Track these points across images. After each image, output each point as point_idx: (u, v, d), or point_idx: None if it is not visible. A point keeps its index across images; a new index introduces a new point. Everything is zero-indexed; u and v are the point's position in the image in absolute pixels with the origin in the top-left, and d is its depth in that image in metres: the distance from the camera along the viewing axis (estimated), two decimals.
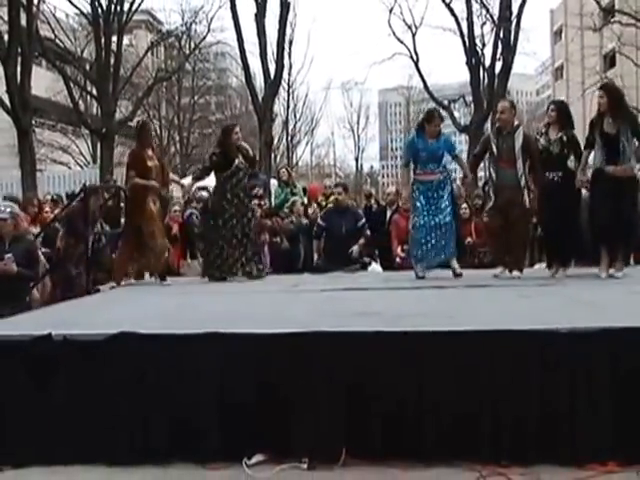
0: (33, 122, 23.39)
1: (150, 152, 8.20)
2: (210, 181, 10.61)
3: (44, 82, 27.85)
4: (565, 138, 7.43)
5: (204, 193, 12.59)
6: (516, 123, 7.83)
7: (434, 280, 7.48)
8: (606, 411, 3.98)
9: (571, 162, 7.53)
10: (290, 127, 40.47)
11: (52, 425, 4.22)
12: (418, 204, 7.78)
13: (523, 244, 7.83)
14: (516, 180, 7.49)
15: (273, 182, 13.78)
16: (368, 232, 9.79)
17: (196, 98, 39.72)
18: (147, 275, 8.54)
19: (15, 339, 4.38)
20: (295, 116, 41.50)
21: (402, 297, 6.45)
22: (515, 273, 7.65)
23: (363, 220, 9.87)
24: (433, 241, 7.74)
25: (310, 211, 11.45)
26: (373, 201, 12.29)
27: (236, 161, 8.23)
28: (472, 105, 24.43)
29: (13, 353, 4.31)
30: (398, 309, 5.34)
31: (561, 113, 7.61)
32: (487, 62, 24.29)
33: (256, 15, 22.89)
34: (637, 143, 7.16)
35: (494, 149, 7.62)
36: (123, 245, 8.21)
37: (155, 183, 8.00)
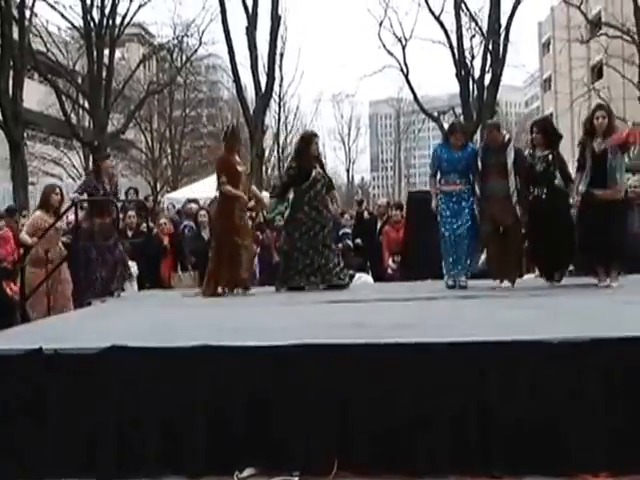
0: (25, 135, 23.39)
1: (237, 157, 8.21)
2: (200, 193, 10.59)
3: (36, 95, 27.82)
4: (551, 157, 7.51)
5: (194, 205, 12.61)
6: (507, 138, 7.92)
7: (424, 291, 7.53)
8: (598, 421, 3.98)
9: (558, 180, 7.61)
10: (281, 139, 40.48)
11: (42, 439, 4.20)
12: (442, 215, 7.85)
13: (516, 255, 7.84)
14: (506, 192, 7.55)
15: (265, 194, 13.80)
16: (350, 242, 9.73)
17: (188, 111, 39.73)
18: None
19: (5, 353, 4.35)
20: (286, 128, 41.56)
21: (393, 309, 6.44)
22: (505, 283, 7.71)
23: (344, 230, 9.84)
24: (455, 252, 7.82)
25: None
26: (364, 209, 12.31)
27: (313, 172, 8.11)
28: (462, 117, 24.51)
29: (2, 367, 4.28)
30: (389, 321, 5.33)
31: (545, 133, 7.67)
32: (476, 74, 24.44)
33: (247, 28, 23.01)
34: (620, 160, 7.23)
35: (479, 165, 7.72)
36: (213, 255, 8.11)
37: (243, 194, 7.97)
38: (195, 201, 13.72)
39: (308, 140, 8.37)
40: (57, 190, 8.57)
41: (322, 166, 8.34)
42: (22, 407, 4.23)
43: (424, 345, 4.18)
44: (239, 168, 8.04)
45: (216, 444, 4.12)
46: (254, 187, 8.73)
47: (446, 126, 28.53)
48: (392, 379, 4.09)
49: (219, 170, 8.16)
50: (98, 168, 8.39)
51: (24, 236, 8.15)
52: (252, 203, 8.42)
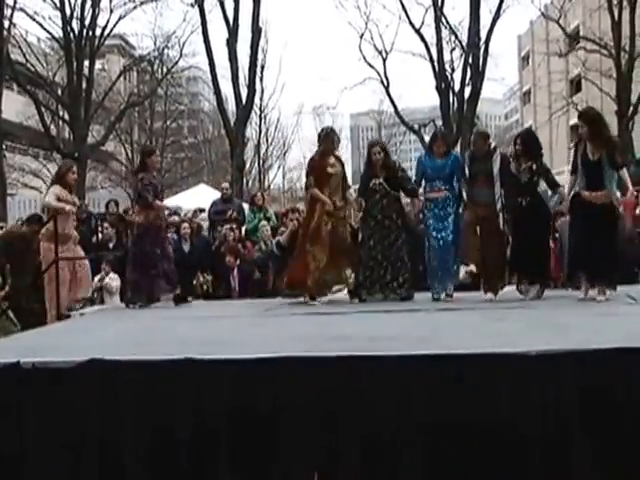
0: (4, 146, 23.21)
1: (332, 159, 8.13)
2: (182, 205, 10.46)
3: (15, 106, 27.62)
4: (535, 167, 7.53)
5: (176, 217, 12.56)
6: (493, 146, 8.01)
7: (406, 303, 7.54)
8: (575, 433, 4.00)
9: (540, 188, 7.63)
10: (262, 151, 40.38)
11: (21, 454, 4.15)
12: (428, 224, 7.93)
13: (499, 267, 7.80)
14: (491, 199, 7.62)
15: (245, 206, 13.79)
16: None
17: (168, 122, 39.53)
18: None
19: None
20: (267, 140, 41.41)
21: (374, 321, 6.45)
22: (489, 295, 7.72)
23: None
24: (443, 261, 7.86)
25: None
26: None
27: (371, 183, 8.08)
28: (442, 129, 24.60)
29: None
30: (370, 333, 5.33)
31: (527, 145, 7.68)
32: (456, 87, 24.57)
33: (228, 40, 22.99)
34: (615, 170, 7.10)
35: (466, 173, 7.79)
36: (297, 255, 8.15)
37: (327, 199, 7.90)
38: (175, 213, 13.68)
39: (368, 149, 8.41)
40: (74, 169, 8.77)
41: (392, 176, 8.10)
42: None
43: (404, 357, 4.18)
44: (329, 170, 8.03)
45: (197, 457, 4.10)
46: (352, 189, 8.50)
47: (427, 138, 28.74)
48: (373, 392, 4.08)
49: (308, 171, 8.25)
50: (145, 164, 8.36)
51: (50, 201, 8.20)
52: (340, 203, 8.20)
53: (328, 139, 8.21)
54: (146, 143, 38.61)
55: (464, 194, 7.84)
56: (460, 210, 7.94)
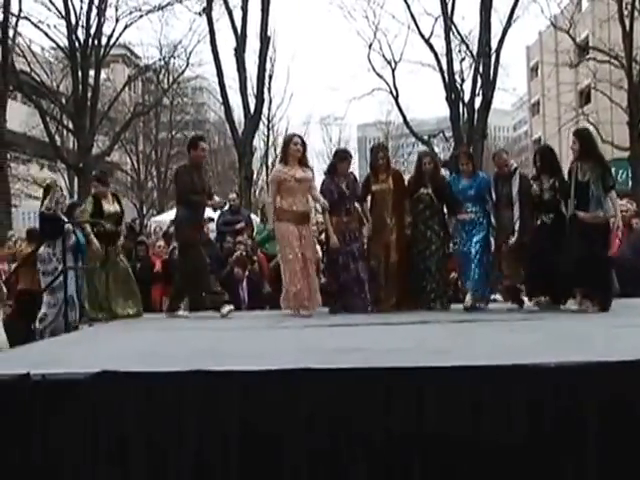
0: (8, 157, 23.13)
1: (381, 177, 8.20)
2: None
3: (19, 116, 27.54)
4: (557, 184, 7.56)
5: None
6: (513, 167, 8.09)
7: (419, 315, 7.44)
8: (594, 445, 3.86)
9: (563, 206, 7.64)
10: (270, 161, 40.39)
11: (29, 469, 4.02)
12: (455, 238, 8.17)
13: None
14: (510, 222, 7.74)
15: (254, 217, 13.65)
16: None
17: (174, 133, 39.60)
18: None
19: None
20: (275, 150, 41.41)
21: (388, 332, 6.39)
22: (511, 305, 7.93)
23: None
24: (462, 269, 8.11)
25: None
26: None
27: (420, 190, 8.11)
28: (452, 140, 24.47)
29: None
30: (384, 345, 5.28)
31: (546, 160, 7.73)
32: (467, 97, 24.38)
33: (236, 50, 22.92)
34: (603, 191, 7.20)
35: (493, 195, 7.93)
36: None
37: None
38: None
39: (419, 159, 8.48)
40: (295, 140, 8.12)
41: (439, 187, 8.14)
42: (8, 434, 4.06)
43: (418, 369, 4.08)
44: (373, 187, 8.25)
45: (206, 471, 3.98)
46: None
47: (436, 149, 28.71)
48: (388, 405, 3.95)
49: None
50: (335, 168, 8.24)
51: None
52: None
53: (371, 156, 8.35)
54: (151, 153, 38.67)
55: (492, 218, 7.93)
56: (490, 233, 8.01)
